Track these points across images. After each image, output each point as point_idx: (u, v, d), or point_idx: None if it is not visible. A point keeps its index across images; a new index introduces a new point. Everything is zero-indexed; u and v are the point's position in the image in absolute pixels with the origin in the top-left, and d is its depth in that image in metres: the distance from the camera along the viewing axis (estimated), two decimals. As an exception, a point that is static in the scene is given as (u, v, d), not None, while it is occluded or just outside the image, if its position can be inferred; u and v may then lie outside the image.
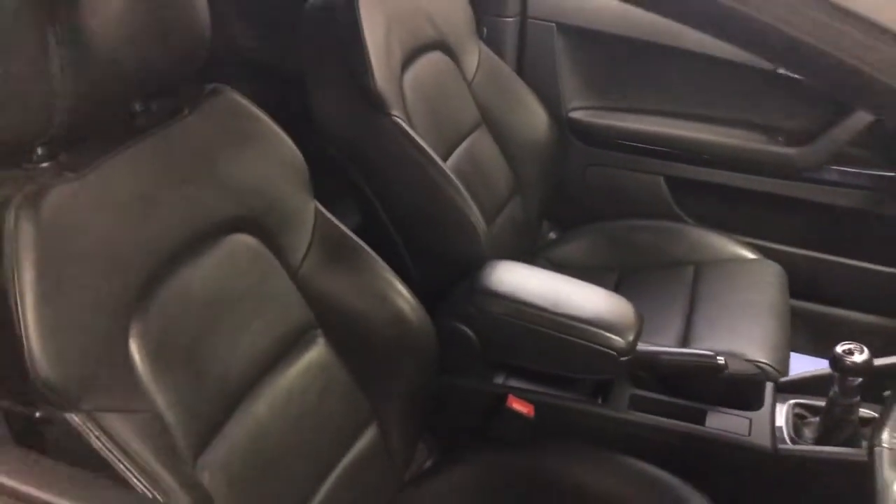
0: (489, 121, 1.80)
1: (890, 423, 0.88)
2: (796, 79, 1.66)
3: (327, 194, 1.25)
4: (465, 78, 1.76)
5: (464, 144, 1.71)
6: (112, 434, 0.85)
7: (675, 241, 1.88)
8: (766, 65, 1.76)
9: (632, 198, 1.98)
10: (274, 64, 1.69)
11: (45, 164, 0.90)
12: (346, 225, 1.25)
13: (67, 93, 0.84)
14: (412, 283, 1.26)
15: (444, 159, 1.58)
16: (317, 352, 1.19)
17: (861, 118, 1.75)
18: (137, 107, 1.02)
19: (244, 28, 1.71)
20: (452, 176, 1.48)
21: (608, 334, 1.28)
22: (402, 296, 1.25)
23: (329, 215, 1.24)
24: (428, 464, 1.40)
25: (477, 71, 1.79)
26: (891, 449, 0.88)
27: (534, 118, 1.87)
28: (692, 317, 1.65)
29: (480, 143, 1.77)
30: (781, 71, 1.77)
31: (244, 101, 1.14)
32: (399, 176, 1.45)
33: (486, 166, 1.75)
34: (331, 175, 1.42)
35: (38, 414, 0.84)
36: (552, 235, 2.04)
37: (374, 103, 1.42)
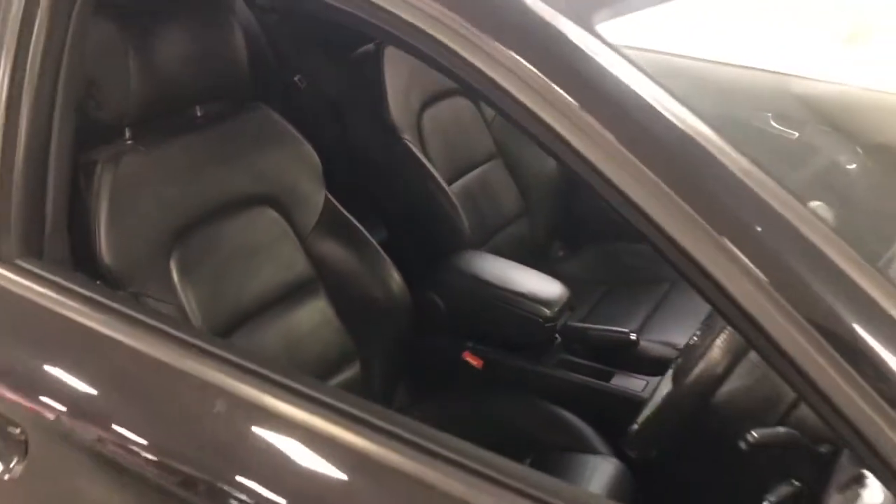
0: (505, 154, 2.23)
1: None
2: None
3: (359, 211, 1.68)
4: (483, 118, 2.21)
5: (476, 171, 2.14)
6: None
7: (658, 262, 2.21)
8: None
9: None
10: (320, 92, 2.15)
11: (128, 141, 1.41)
12: (373, 237, 1.68)
13: (139, 93, 1.34)
14: (401, 265, 1.68)
15: (452, 180, 2.02)
16: (315, 299, 1.63)
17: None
18: (198, 110, 1.53)
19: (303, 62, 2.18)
20: (447, 190, 1.92)
21: (537, 305, 1.66)
22: (388, 268, 1.68)
23: (337, 204, 1.69)
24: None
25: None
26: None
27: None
28: (652, 314, 1.98)
29: (493, 171, 2.19)
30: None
31: (275, 115, 1.62)
32: (402, 185, 1.91)
33: (493, 190, 2.17)
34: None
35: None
36: (560, 253, 2.42)
37: (387, 129, 1.89)
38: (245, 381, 0.94)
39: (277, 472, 0.91)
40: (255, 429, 0.93)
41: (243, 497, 0.91)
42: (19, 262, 1.10)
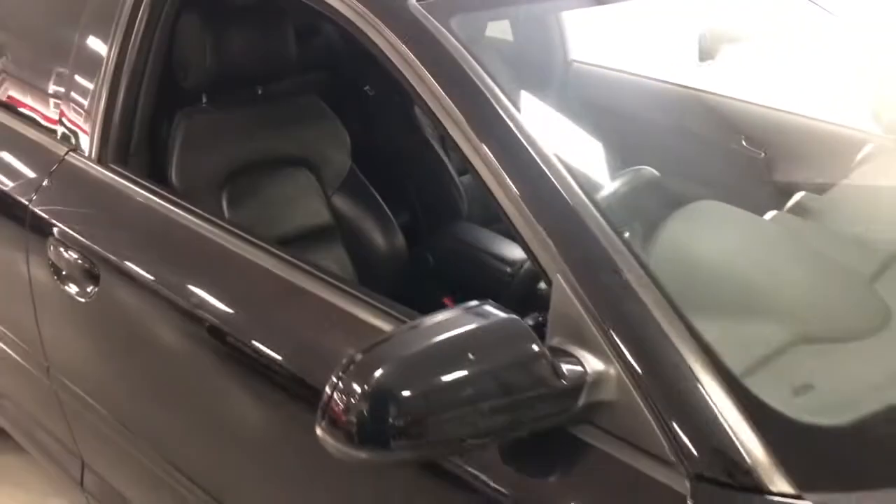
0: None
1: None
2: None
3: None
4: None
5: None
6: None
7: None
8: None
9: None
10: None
11: (204, 105, 1.98)
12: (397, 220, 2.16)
13: (213, 71, 1.90)
14: (412, 236, 2.16)
15: (462, 173, 2.50)
16: (333, 244, 2.14)
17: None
18: (259, 90, 2.09)
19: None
20: (458, 180, 2.41)
21: (501, 263, 2.12)
22: (393, 227, 2.17)
23: (359, 173, 2.21)
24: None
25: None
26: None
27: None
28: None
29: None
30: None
31: (320, 102, 2.16)
32: (424, 173, 2.42)
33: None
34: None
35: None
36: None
37: (413, 126, 2.41)
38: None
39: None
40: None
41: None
42: (112, 164, 1.68)
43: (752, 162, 2.30)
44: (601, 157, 1.52)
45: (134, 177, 1.66)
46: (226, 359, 1.43)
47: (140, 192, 1.63)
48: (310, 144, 2.12)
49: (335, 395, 0.93)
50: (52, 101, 1.82)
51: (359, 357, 0.94)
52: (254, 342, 1.36)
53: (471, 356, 0.95)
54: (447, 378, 0.94)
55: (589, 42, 2.49)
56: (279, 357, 1.32)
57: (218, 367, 1.47)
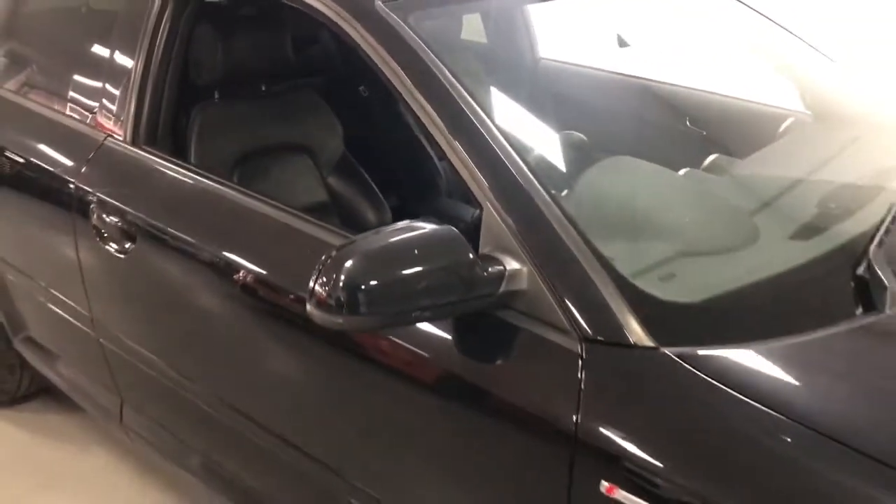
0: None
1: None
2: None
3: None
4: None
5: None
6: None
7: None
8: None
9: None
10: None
11: (216, 100, 2.35)
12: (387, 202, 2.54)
13: (223, 70, 2.27)
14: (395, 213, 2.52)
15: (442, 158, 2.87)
16: (329, 221, 2.49)
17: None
18: (263, 86, 2.46)
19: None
20: (439, 165, 2.77)
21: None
22: (381, 203, 2.54)
23: (351, 158, 2.58)
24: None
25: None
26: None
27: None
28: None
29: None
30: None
31: (316, 96, 2.53)
32: (407, 161, 2.78)
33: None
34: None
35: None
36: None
37: (404, 123, 2.77)
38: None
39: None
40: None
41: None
42: (144, 146, 2.05)
43: (695, 139, 2.65)
44: (548, 133, 1.86)
45: (161, 154, 2.03)
46: (238, 297, 1.79)
47: (166, 166, 2.00)
48: (307, 133, 2.49)
49: (318, 282, 1.29)
50: (93, 99, 2.19)
51: (334, 253, 1.30)
52: (261, 280, 1.72)
53: (416, 252, 1.31)
54: (400, 268, 1.29)
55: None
56: (282, 285, 1.69)
57: (232, 305, 1.83)
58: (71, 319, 2.27)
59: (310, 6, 1.72)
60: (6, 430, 2.79)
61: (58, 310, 2.32)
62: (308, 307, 1.31)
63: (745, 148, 2.44)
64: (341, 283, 1.27)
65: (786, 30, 2.56)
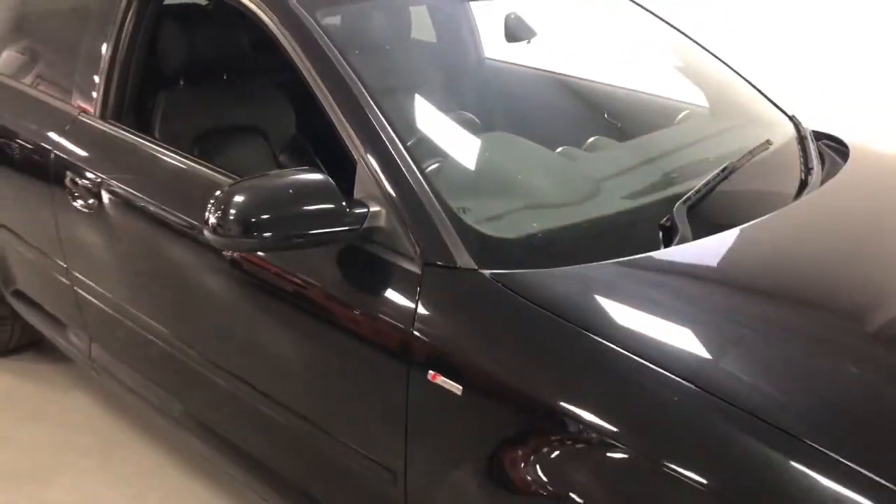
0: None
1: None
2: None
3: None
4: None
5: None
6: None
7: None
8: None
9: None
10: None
11: (181, 84, 2.74)
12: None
13: (187, 61, 2.65)
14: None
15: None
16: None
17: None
18: (225, 76, 2.84)
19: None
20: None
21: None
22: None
23: (303, 140, 2.95)
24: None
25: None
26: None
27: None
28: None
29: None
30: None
31: (267, 83, 2.90)
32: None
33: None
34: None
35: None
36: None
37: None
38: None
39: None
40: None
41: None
42: (110, 120, 2.44)
43: (612, 130, 3.00)
44: (431, 110, 2.22)
45: (125, 127, 2.41)
46: (186, 247, 2.16)
47: (129, 138, 2.39)
48: (260, 116, 2.87)
49: (212, 213, 1.65)
50: (70, 81, 2.59)
51: (227, 188, 1.67)
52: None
53: (292, 192, 1.68)
54: (281, 203, 1.66)
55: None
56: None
57: (181, 253, 2.20)
58: (50, 270, 2.66)
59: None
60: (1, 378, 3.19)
61: (39, 261, 2.71)
62: (205, 232, 1.68)
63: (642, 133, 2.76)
64: (231, 214, 1.64)
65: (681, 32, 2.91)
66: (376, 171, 1.77)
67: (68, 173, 2.43)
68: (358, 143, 1.82)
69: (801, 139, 2.44)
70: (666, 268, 1.74)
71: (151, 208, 2.23)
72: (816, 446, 1.29)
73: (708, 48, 2.84)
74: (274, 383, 2.04)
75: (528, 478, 1.48)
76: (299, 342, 1.95)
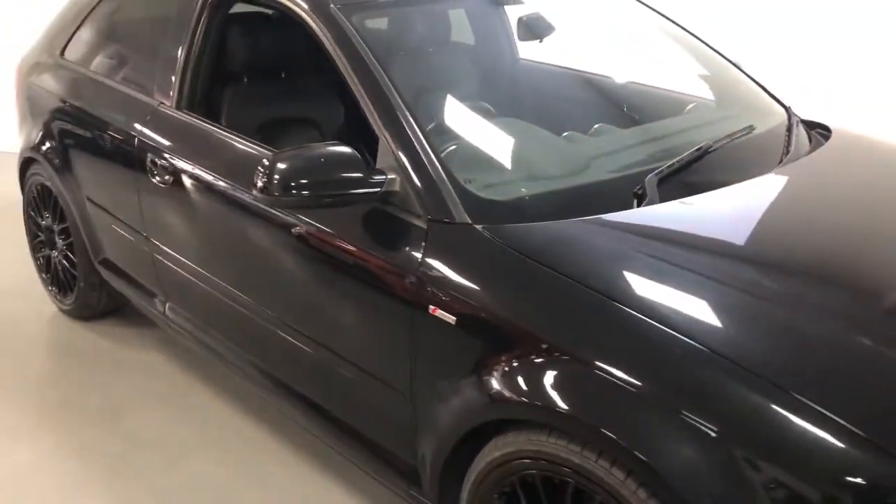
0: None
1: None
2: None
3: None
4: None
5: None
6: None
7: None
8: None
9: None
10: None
11: (245, 81, 3.18)
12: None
13: (251, 60, 3.08)
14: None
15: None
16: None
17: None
18: (282, 74, 3.27)
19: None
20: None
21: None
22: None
23: (351, 131, 3.36)
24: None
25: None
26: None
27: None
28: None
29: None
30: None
31: (318, 81, 3.32)
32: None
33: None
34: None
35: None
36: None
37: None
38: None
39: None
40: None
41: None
42: (185, 110, 2.88)
43: (618, 119, 3.33)
44: (449, 99, 2.60)
45: (197, 116, 2.85)
46: (245, 214, 2.57)
47: (199, 126, 2.83)
48: (313, 109, 3.28)
49: (259, 177, 2.06)
50: (149, 77, 3.05)
51: (271, 157, 2.07)
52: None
53: (323, 161, 2.08)
54: (315, 169, 2.06)
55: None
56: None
57: (244, 223, 2.60)
58: (131, 239, 3.12)
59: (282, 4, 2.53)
60: (88, 336, 3.68)
61: (123, 233, 3.18)
62: (254, 192, 2.09)
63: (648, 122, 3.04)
64: (275, 179, 2.04)
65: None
66: (393, 146, 2.16)
67: (149, 155, 2.88)
68: (379, 121, 2.20)
69: (790, 126, 2.74)
70: (630, 224, 2.08)
71: (220, 185, 2.66)
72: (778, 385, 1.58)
73: (713, 46, 3.16)
74: (315, 326, 2.44)
75: (506, 388, 1.84)
76: (339, 292, 2.35)
